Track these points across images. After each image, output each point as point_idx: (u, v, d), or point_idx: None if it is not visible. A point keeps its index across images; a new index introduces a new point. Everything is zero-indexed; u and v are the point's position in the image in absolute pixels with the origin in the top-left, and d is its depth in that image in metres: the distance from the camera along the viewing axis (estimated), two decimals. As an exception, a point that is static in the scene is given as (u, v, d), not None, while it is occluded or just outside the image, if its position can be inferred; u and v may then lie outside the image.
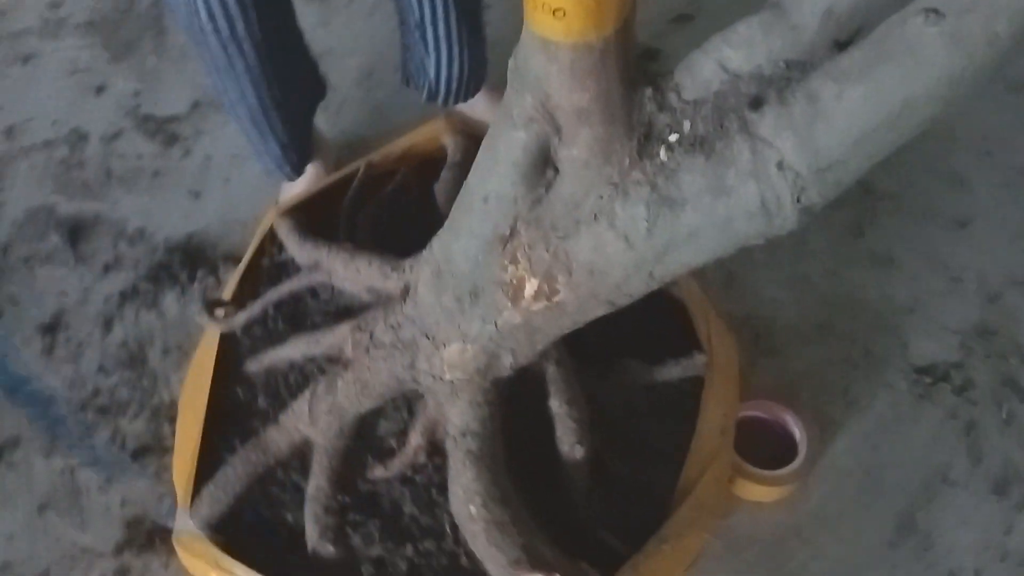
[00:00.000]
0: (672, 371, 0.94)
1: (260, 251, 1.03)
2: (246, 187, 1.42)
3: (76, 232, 1.39)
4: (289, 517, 0.87)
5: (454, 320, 0.80)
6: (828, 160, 0.69)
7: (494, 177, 0.73)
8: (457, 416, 0.84)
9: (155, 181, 1.45)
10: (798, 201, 0.71)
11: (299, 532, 0.85)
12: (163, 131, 1.51)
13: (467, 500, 0.80)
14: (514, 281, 0.76)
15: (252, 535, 0.86)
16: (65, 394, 1.22)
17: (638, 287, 0.77)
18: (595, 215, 0.73)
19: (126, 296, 1.31)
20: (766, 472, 1.12)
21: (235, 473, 0.86)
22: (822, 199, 0.72)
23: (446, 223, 0.79)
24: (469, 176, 0.76)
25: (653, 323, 1.00)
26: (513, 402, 0.89)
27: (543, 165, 0.72)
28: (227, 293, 1.02)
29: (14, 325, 1.29)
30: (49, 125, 1.51)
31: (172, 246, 1.36)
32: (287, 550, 0.85)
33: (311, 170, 1.27)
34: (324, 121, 1.45)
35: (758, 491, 1.11)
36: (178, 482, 0.92)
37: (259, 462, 0.87)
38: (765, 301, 1.31)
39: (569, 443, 0.85)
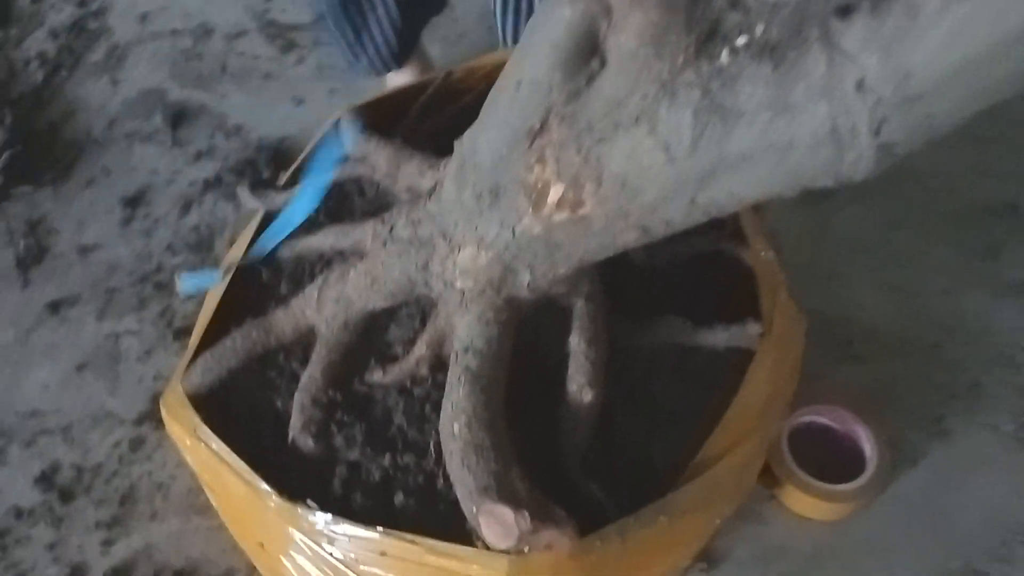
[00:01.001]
0: (718, 336, 0.83)
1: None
2: (348, 101, 1.40)
3: (179, 118, 1.41)
4: (279, 403, 0.83)
5: (472, 221, 0.73)
6: (919, 88, 0.57)
7: (531, 59, 0.66)
8: (463, 329, 0.77)
9: (264, 83, 1.46)
10: (877, 133, 0.60)
11: (285, 420, 0.81)
12: (283, 37, 1.52)
13: (453, 417, 0.73)
14: (538, 184, 0.68)
15: (237, 413, 0.82)
16: (130, 265, 1.24)
17: (677, 213, 0.67)
18: (636, 118, 0.64)
19: (209, 184, 1.31)
20: (821, 484, 0.99)
21: (233, 346, 0.83)
22: (906, 138, 0.60)
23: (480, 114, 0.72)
24: (508, 61, 0.69)
25: (712, 289, 0.90)
26: (533, 336, 0.81)
27: (587, 53, 0.64)
28: (281, 180, 0.99)
29: (100, 194, 1.32)
30: (180, 16, 1.55)
31: (264, 145, 1.36)
32: (268, 435, 0.81)
33: (400, 77, 1.24)
34: (439, 48, 1.42)
35: (807, 503, 0.99)
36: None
37: (260, 341, 0.83)
38: (865, 306, 1.17)
39: (579, 384, 0.76)
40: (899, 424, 1.07)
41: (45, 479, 1.05)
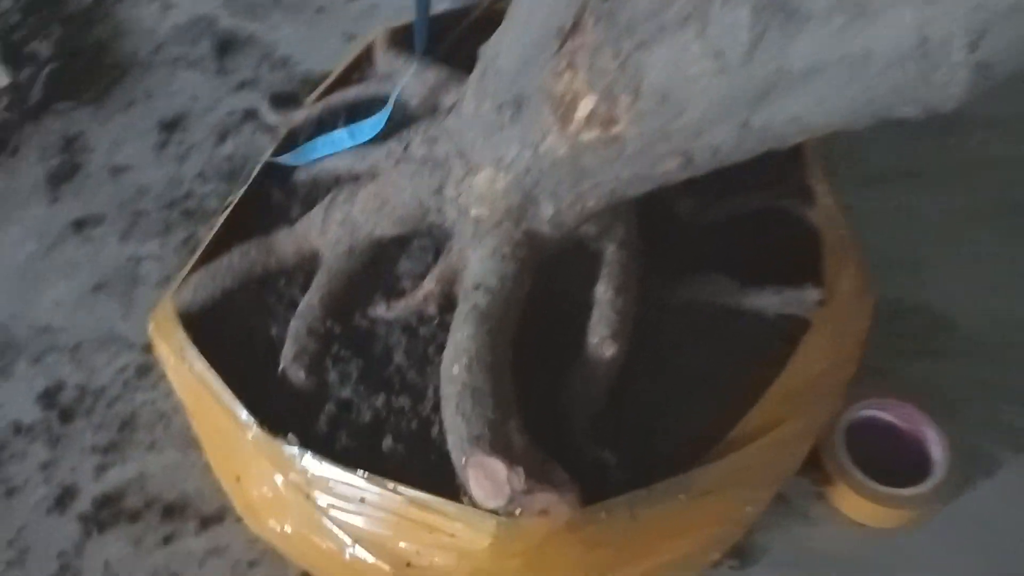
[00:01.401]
0: (768, 300, 0.73)
1: (355, 64, 0.92)
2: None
3: (227, 46, 1.36)
4: (274, 331, 0.76)
5: (491, 138, 0.65)
6: (1033, -8, 0.46)
7: (568, -56, 0.57)
8: (476, 264, 0.68)
9: (317, 16, 1.40)
10: (974, 48, 0.49)
11: (278, 349, 0.74)
12: (341, -29, 1.45)
13: (454, 358, 0.65)
14: (567, 96, 0.59)
15: (229, 337, 0.75)
16: (160, 189, 1.19)
17: (726, 138, 0.57)
18: (685, 17, 0.54)
19: (249, 115, 1.26)
20: (878, 486, 0.88)
21: (230, 264, 0.76)
22: (1007, 58, 0.49)
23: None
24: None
25: (769, 252, 0.79)
26: (555, 281, 0.72)
27: (633, -62, 0.55)
28: (310, 99, 0.92)
29: (139, 116, 1.28)
30: (239, -56, 1.50)
31: (309, 78, 1.29)
32: (258, 363, 0.74)
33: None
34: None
35: (859, 506, 0.88)
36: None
37: (259, 262, 0.76)
38: (954, 298, 1.05)
39: (601, 335, 0.67)
40: (974, 430, 0.94)
41: (48, 396, 1.01)
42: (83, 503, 0.93)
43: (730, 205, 0.81)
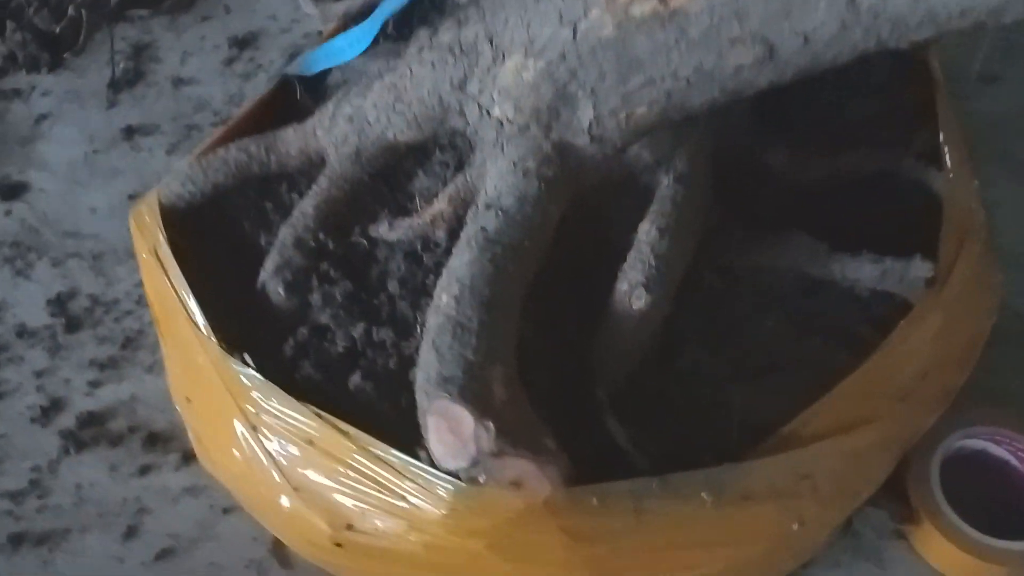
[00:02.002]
0: (863, 270, 0.57)
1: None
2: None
3: (321, -30, 1.28)
4: (263, 241, 0.65)
5: (523, 16, 0.52)
6: None
7: None
8: (493, 177, 0.55)
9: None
10: None
11: (262, 259, 0.63)
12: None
13: (446, 286, 0.52)
14: (619, -45, 0.46)
15: (213, 241, 0.65)
16: (218, 105, 1.12)
17: (823, 22, 0.42)
18: None
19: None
20: (976, 534, 0.69)
21: (225, 159, 0.66)
22: None
23: None
24: None
25: (877, 223, 0.63)
26: (599, 220, 0.59)
27: None
28: None
29: (213, 29, 1.21)
30: None
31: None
32: (238, 273, 0.63)
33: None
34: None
35: (949, 555, 0.70)
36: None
37: (258, 159, 0.66)
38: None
39: (631, 282, 0.53)
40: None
41: (59, 303, 0.95)
42: (68, 418, 0.85)
43: (837, 162, 0.65)
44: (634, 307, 0.53)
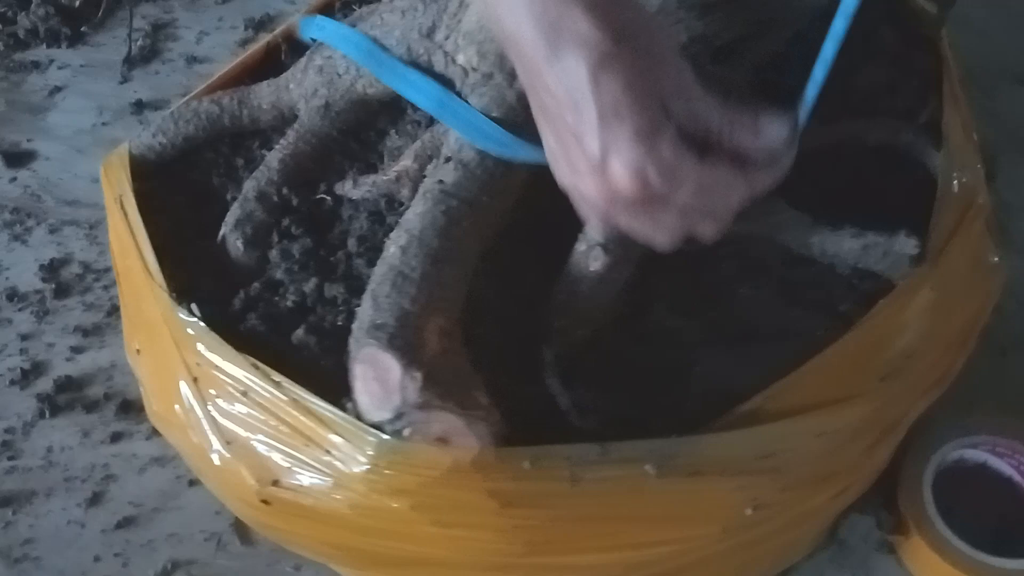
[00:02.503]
0: (843, 244, 0.53)
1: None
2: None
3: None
4: (230, 196, 0.63)
5: (489, -47, 0.49)
6: None
7: None
8: (455, 133, 0.53)
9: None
10: None
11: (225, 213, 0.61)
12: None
13: (396, 238, 0.50)
14: None
15: (180, 194, 0.64)
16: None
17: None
18: None
19: (340, 24, 1.17)
20: (969, 550, 0.65)
21: (197, 111, 0.65)
22: None
23: None
24: None
25: (868, 198, 0.59)
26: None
27: None
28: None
29: (232, 11, 1.21)
30: None
31: None
32: (200, 228, 0.61)
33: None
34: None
35: (939, 570, 0.65)
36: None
37: (230, 110, 0.64)
38: None
39: (588, 242, 0.50)
40: None
41: (51, 269, 0.94)
42: (46, 382, 0.85)
43: (840, 130, 0.61)
44: (591, 268, 0.50)
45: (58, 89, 1.12)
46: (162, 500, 0.76)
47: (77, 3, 1.17)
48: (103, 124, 1.09)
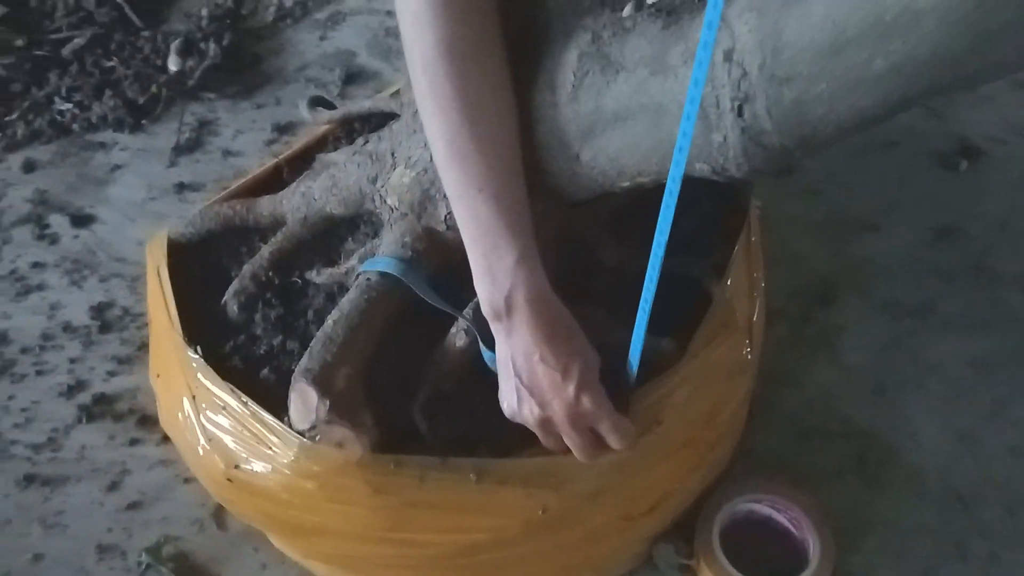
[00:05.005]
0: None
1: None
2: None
3: (353, 77, 1.56)
4: (234, 272, 0.90)
5: (407, 140, 0.77)
6: (789, 68, 0.53)
7: None
8: (384, 245, 0.80)
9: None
10: (740, 113, 0.56)
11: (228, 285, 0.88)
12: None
13: (333, 313, 0.76)
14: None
15: (200, 269, 0.90)
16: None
17: (562, 167, 0.66)
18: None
19: (347, 133, 1.45)
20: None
21: (218, 213, 0.92)
22: (774, 126, 0.56)
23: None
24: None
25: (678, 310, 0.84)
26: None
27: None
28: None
29: (264, 115, 1.50)
30: (400, 1, 1.73)
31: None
32: (212, 295, 0.88)
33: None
34: None
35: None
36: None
37: (240, 215, 0.91)
38: (916, 438, 1.03)
39: (458, 328, 0.76)
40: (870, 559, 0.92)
41: (99, 310, 1.21)
42: (86, 396, 1.10)
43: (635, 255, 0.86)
44: (457, 344, 0.75)
45: (118, 167, 1.41)
46: (162, 492, 1.00)
47: (142, 100, 1.47)
48: (151, 199, 1.37)
